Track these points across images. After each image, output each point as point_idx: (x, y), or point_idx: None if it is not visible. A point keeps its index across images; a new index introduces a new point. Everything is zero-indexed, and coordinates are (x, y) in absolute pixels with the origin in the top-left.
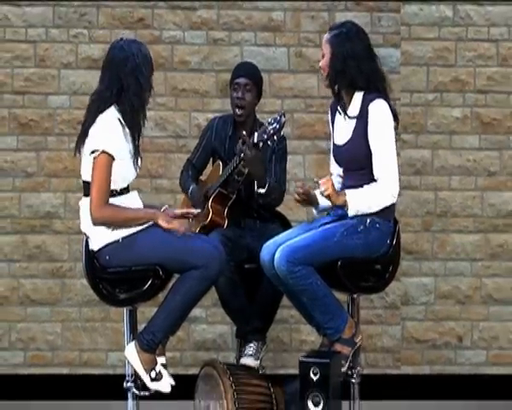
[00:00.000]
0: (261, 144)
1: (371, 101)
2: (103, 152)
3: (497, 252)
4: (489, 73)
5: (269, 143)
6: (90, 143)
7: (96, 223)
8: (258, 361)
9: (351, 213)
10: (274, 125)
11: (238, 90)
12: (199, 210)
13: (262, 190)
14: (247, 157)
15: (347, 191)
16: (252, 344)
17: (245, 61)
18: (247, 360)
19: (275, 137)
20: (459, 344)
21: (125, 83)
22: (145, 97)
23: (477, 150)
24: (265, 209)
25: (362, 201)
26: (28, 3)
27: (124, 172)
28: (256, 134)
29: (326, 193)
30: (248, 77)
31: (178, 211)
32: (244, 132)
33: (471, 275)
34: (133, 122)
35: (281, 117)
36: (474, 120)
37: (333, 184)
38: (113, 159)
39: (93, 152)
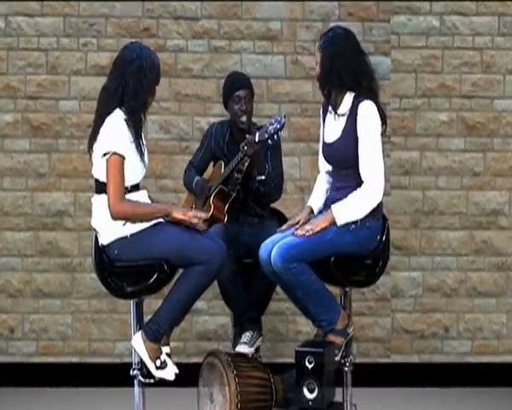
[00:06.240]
0: (262, 143)
1: (361, 102)
2: (114, 153)
3: (481, 248)
4: (473, 80)
5: (269, 141)
6: (101, 145)
7: (116, 218)
8: (253, 349)
9: (340, 224)
10: (275, 125)
11: (240, 101)
12: (207, 215)
13: (262, 177)
14: (249, 153)
15: (333, 207)
16: (248, 333)
17: (236, 72)
18: (243, 348)
19: (275, 136)
20: (445, 335)
21: (127, 82)
22: (145, 100)
23: (462, 152)
24: (262, 207)
25: (348, 212)
26: (40, 14)
27: (133, 169)
28: (258, 133)
29: (311, 231)
30: (247, 87)
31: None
32: (247, 135)
33: (457, 269)
34: (135, 122)
35: (281, 118)
36: (460, 124)
37: (309, 218)
38: (124, 158)
39: (105, 155)
